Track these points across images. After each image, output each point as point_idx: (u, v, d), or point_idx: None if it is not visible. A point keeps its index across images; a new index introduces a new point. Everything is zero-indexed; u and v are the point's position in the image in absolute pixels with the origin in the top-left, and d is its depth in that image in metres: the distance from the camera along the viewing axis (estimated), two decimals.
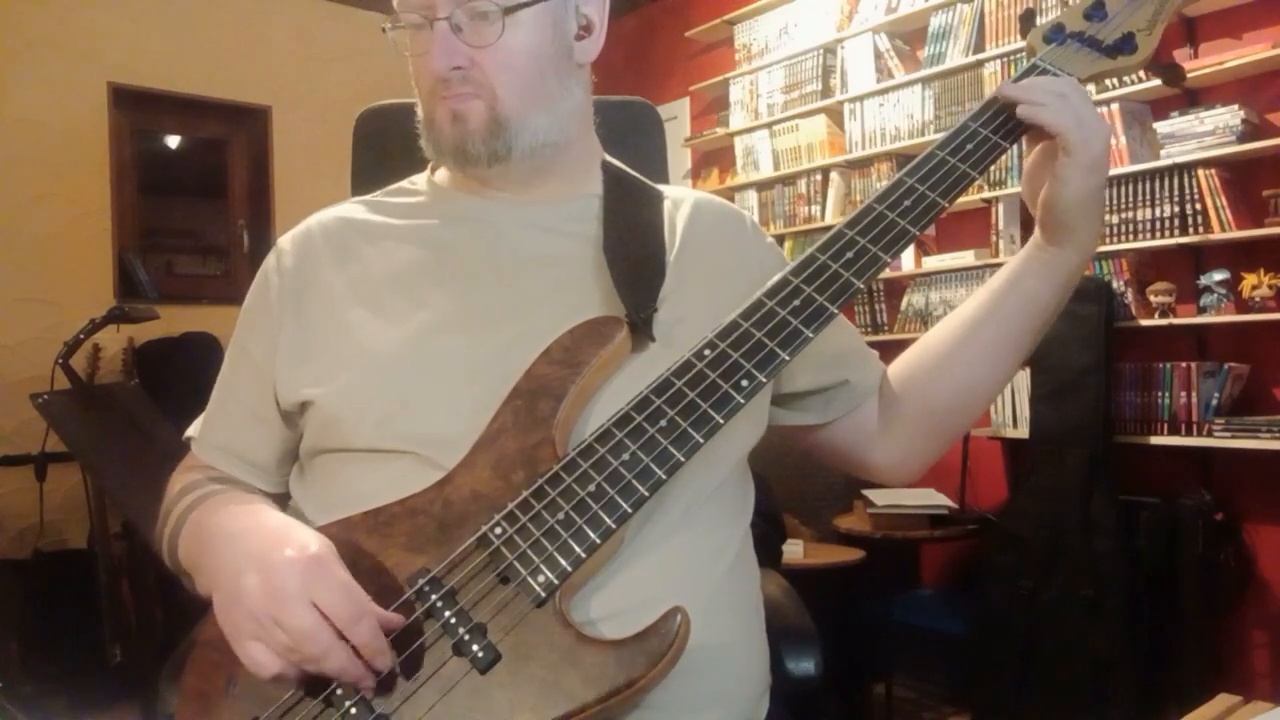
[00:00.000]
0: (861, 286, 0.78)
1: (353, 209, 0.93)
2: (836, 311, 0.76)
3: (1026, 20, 0.96)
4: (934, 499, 2.80)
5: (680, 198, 0.96)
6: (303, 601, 0.64)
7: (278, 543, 0.68)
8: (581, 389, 0.76)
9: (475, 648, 0.65)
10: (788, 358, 0.74)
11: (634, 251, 0.87)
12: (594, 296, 0.83)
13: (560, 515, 0.69)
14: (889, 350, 1.00)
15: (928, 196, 0.81)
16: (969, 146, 0.84)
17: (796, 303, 0.76)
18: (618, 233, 0.88)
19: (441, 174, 0.95)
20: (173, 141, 4.17)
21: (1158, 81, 2.59)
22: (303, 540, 0.68)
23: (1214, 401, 2.51)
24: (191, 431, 0.93)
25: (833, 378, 0.94)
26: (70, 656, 2.95)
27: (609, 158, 0.97)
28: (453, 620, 0.67)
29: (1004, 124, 0.85)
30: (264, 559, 0.67)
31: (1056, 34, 0.91)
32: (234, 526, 0.75)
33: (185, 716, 0.72)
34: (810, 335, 0.75)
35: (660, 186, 0.98)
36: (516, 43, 0.82)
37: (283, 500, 0.89)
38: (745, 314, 0.77)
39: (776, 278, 0.79)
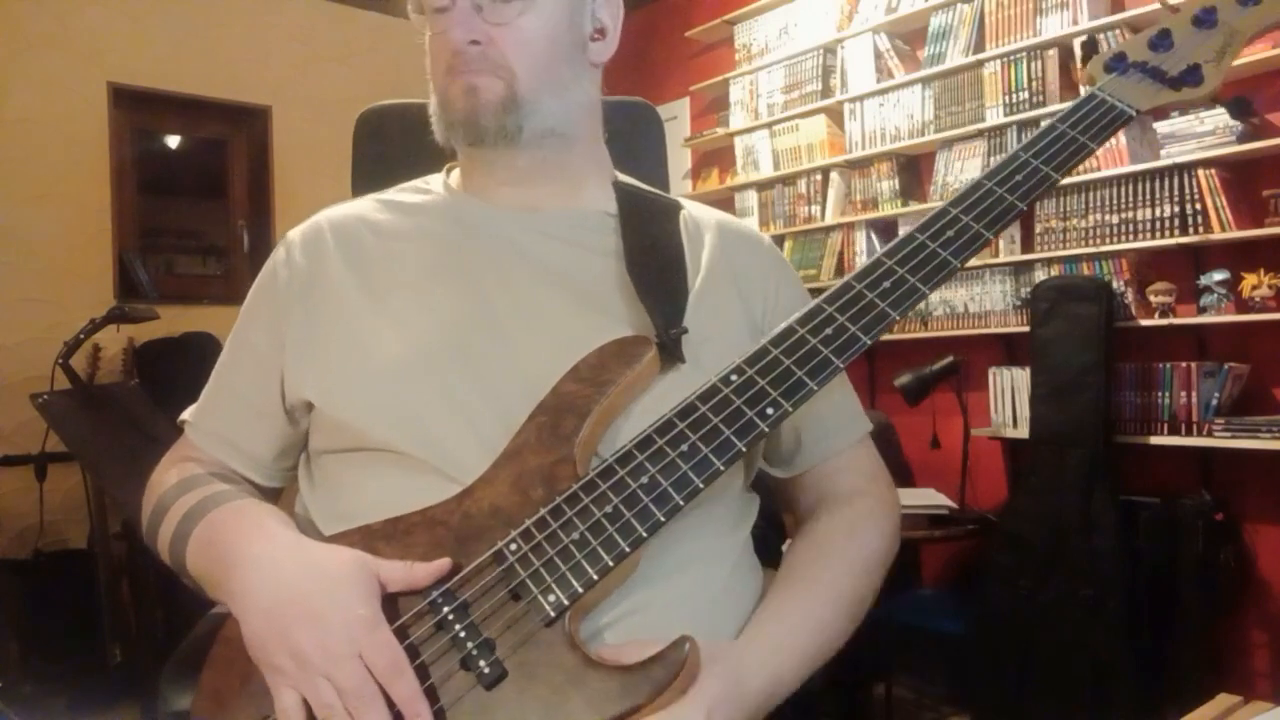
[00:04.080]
0: (898, 318, 0.76)
1: (364, 207, 0.92)
2: (869, 342, 0.75)
3: (1089, 48, 0.94)
4: (934, 499, 2.80)
5: (700, 216, 0.96)
6: (355, 660, 0.65)
7: (324, 588, 0.68)
8: (606, 408, 0.76)
9: (482, 663, 0.65)
10: (816, 387, 0.73)
11: (658, 269, 0.86)
12: (616, 313, 0.83)
13: (575, 535, 0.69)
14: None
15: (971, 228, 0.79)
16: (1018, 178, 0.82)
17: (828, 331, 0.75)
18: (640, 251, 0.87)
19: (455, 176, 0.95)
20: (173, 141, 4.17)
21: None
22: (350, 598, 0.67)
23: (1214, 401, 2.51)
24: (186, 416, 0.92)
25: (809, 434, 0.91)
26: (70, 656, 2.95)
27: (620, 176, 0.97)
28: (462, 634, 0.67)
29: (1056, 155, 0.83)
30: (310, 606, 0.67)
31: (1118, 63, 0.89)
32: (255, 550, 0.74)
33: (201, 710, 0.73)
34: (840, 365, 0.74)
35: (678, 199, 0.98)
36: (533, 24, 0.84)
37: (276, 495, 0.89)
38: (775, 341, 0.76)
39: (810, 305, 0.78)
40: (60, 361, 2.72)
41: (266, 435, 0.87)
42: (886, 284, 0.77)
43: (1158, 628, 2.43)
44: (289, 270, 0.88)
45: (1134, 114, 0.86)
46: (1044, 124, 0.87)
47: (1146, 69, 0.89)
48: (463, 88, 0.84)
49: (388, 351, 0.80)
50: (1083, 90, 0.89)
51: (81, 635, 2.95)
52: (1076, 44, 2.80)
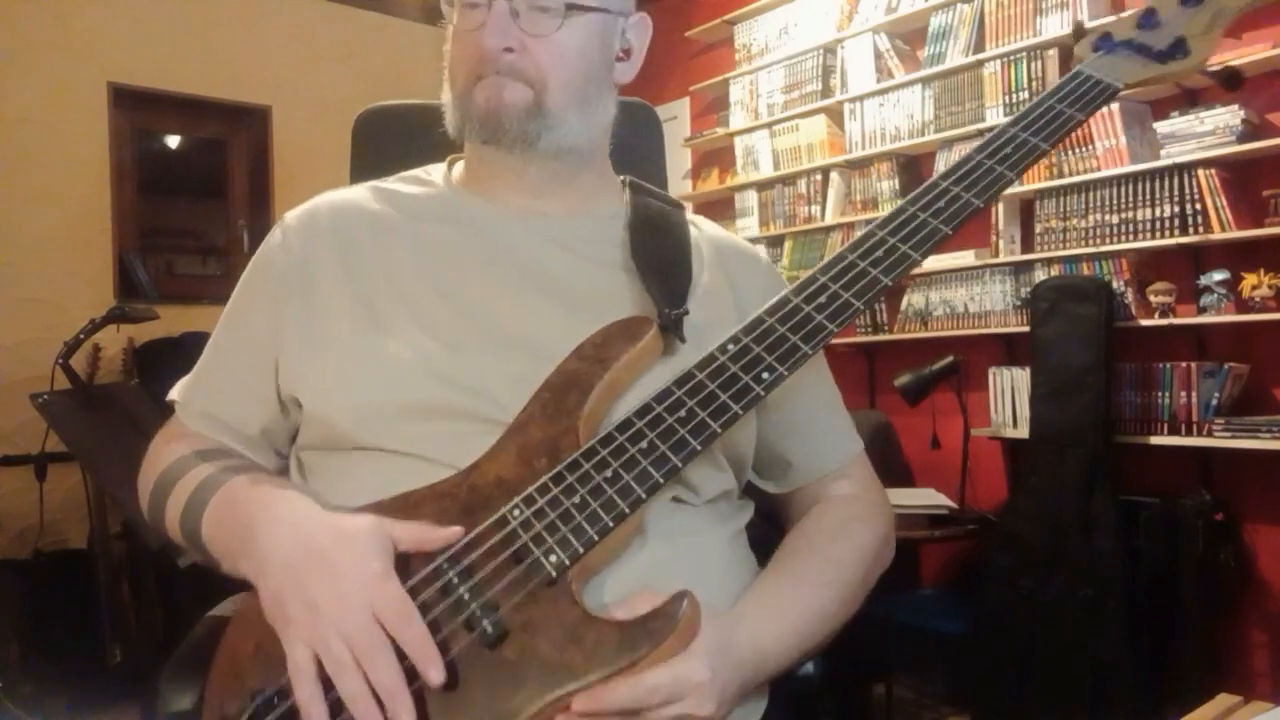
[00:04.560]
0: (889, 284, 0.78)
1: (362, 196, 0.92)
2: (862, 307, 0.78)
3: (1077, 31, 0.96)
4: (934, 499, 2.80)
5: (704, 224, 0.98)
6: (366, 611, 0.66)
7: (341, 544, 0.69)
8: (609, 384, 0.78)
9: (485, 623, 0.67)
10: (810, 351, 0.75)
11: (663, 253, 0.88)
12: (614, 315, 0.83)
13: (576, 499, 0.71)
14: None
15: (962, 198, 0.82)
16: (1007, 149, 0.85)
17: (822, 299, 0.78)
18: (645, 235, 0.89)
19: (458, 170, 0.95)
20: (173, 141, 4.17)
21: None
22: (364, 551, 0.69)
23: (1214, 401, 2.51)
24: (174, 395, 0.92)
25: (798, 450, 0.93)
26: (70, 656, 2.95)
27: (629, 177, 0.98)
28: (465, 596, 0.68)
29: (1044, 127, 0.86)
30: (327, 560, 0.68)
31: (1104, 42, 0.91)
32: (277, 511, 0.75)
33: (216, 674, 0.74)
34: (833, 329, 0.76)
35: (685, 206, 1.00)
36: (569, 40, 0.84)
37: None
38: (770, 310, 0.78)
39: (805, 276, 0.80)
40: (60, 361, 2.72)
41: (255, 416, 0.87)
42: (879, 253, 0.80)
43: (1158, 628, 2.43)
44: (285, 255, 0.88)
45: (1120, 87, 0.89)
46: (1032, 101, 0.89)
47: (1133, 45, 0.91)
48: (489, 89, 0.84)
49: (382, 355, 0.81)
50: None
51: (81, 635, 2.95)
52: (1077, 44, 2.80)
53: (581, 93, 0.86)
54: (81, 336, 2.79)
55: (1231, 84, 0.95)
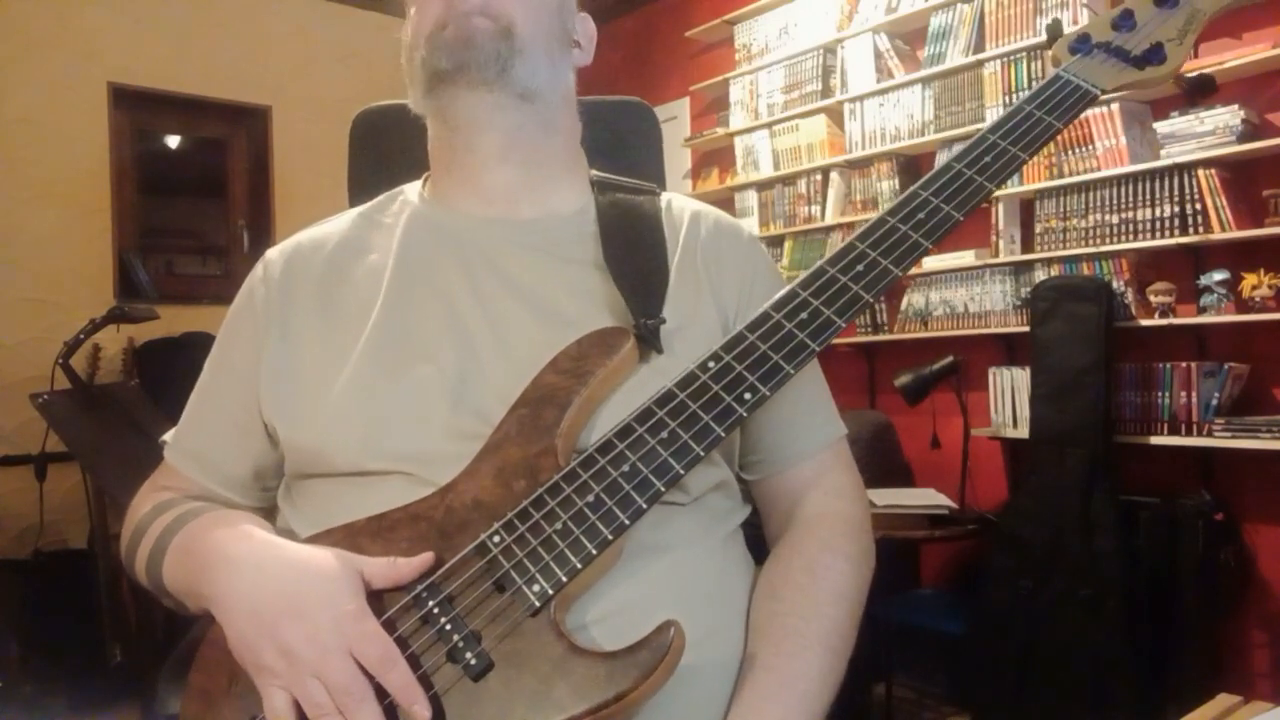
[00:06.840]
0: (870, 300, 0.77)
1: (342, 226, 0.93)
2: (843, 324, 0.76)
3: (1053, 30, 0.94)
4: (934, 499, 2.80)
5: (681, 205, 0.95)
6: (345, 655, 0.64)
7: (309, 585, 0.68)
8: (587, 399, 0.76)
9: (469, 655, 0.65)
10: (792, 371, 0.74)
11: (636, 259, 0.86)
12: (585, 327, 0.81)
13: (558, 525, 0.69)
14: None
15: (942, 209, 0.80)
16: (986, 159, 0.82)
17: (803, 315, 0.76)
18: (618, 241, 0.87)
19: (430, 187, 0.95)
20: (173, 141, 4.17)
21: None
22: (335, 592, 0.67)
23: (1214, 401, 2.51)
24: (166, 437, 0.92)
25: (775, 438, 0.90)
26: (70, 656, 2.96)
27: (595, 172, 0.97)
28: (448, 627, 0.67)
29: (1024, 135, 0.84)
30: (297, 603, 0.67)
31: (1082, 44, 0.90)
32: (235, 550, 0.73)
33: (189, 712, 0.72)
34: (815, 348, 0.75)
35: (656, 187, 0.97)
36: None
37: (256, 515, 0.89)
38: (751, 326, 0.77)
39: (784, 290, 0.79)
40: (60, 361, 2.72)
41: (244, 453, 0.87)
42: (859, 267, 0.78)
43: (1158, 628, 2.43)
44: (266, 288, 0.88)
45: (1099, 93, 0.87)
46: (1012, 106, 0.88)
47: (1110, 49, 0.89)
48: (458, 22, 0.83)
49: (360, 369, 0.80)
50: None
51: (81, 635, 2.95)
52: None
53: (547, 35, 0.87)
54: (81, 336, 2.79)
55: (1205, 90, 0.95)
